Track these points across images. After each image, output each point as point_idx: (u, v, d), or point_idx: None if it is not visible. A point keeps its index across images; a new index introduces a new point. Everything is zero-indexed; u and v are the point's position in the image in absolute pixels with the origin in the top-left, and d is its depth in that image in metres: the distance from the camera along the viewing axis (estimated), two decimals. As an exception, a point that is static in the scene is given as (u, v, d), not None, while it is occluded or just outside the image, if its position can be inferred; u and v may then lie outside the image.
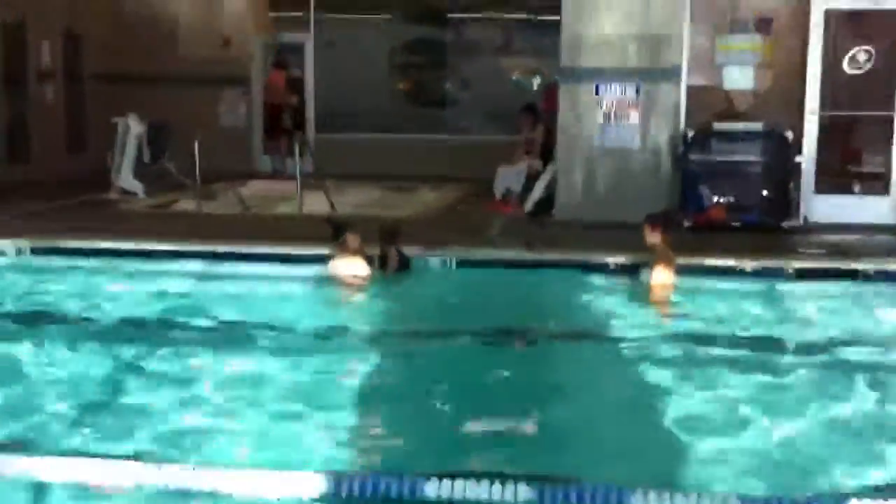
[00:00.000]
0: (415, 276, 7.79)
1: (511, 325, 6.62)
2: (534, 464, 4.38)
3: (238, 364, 5.82)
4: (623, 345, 6.31)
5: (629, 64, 9.89)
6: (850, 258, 7.99)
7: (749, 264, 7.75)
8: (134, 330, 6.47)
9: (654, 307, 7.26)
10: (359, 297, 7.52)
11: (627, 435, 4.87)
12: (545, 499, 3.63)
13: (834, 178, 10.14)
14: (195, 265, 8.05)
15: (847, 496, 3.86)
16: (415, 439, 4.72)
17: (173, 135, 11.81)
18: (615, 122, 9.95)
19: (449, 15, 15.28)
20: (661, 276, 7.24)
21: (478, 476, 3.75)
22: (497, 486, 3.64)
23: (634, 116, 9.92)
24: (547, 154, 10.95)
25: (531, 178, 10.91)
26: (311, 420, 4.87)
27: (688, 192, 9.65)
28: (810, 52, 9.80)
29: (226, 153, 13.31)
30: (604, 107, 9.96)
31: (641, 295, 7.36)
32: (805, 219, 9.73)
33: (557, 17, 10.26)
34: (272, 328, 6.52)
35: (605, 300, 7.35)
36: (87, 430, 4.71)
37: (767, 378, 5.57)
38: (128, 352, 5.95)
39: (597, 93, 9.95)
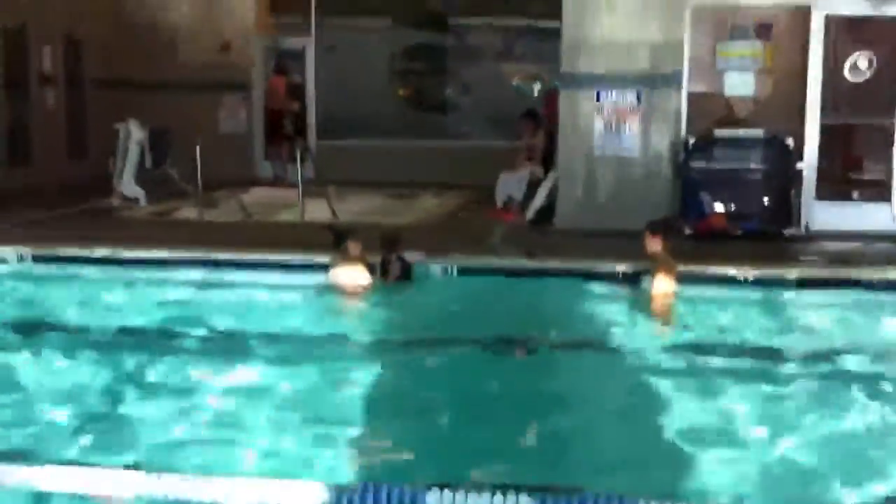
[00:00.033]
0: (416, 283, 7.78)
1: (512, 333, 6.61)
2: (535, 474, 4.38)
3: (238, 373, 5.81)
4: (624, 354, 6.30)
5: (630, 70, 9.89)
6: (851, 266, 7.98)
7: (750, 273, 7.74)
8: (135, 339, 6.47)
9: (655, 316, 7.25)
10: (360, 305, 7.51)
11: (628, 444, 4.87)
12: (547, 509, 3.62)
13: (835, 186, 10.14)
14: (197, 273, 8.04)
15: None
16: (415, 449, 4.71)
17: (174, 141, 11.81)
18: (616, 129, 9.94)
19: (450, 20, 15.30)
20: (662, 285, 7.23)
21: (479, 487, 3.75)
22: (498, 497, 3.64)
23: (635, 123, 9.92)
24: (548, 160, 10.95)
25: (533, 186, 10.91)
26: (312, 429, 4.86)
27: (688, 200, 9.65)
28: (811, 58, 9.80)
29: (227, 159, 13.32)
30: (604, 113, 9.96)
31: (642, 303, 7.36)
32: (806, 226, 9.73)
33: (558, 23, 10.27)
34: (273, 337, 6.52)
35: (607, 308, 7.34)
36: (87, 440, 4.71)
37: (769, 388, 5.57)
38: (128, 360, 5.95)
39: (597, 99, 9.96)
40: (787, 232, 9.52)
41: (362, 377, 5.78)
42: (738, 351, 6.27)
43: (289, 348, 6.32)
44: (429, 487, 3.70)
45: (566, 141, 10.10)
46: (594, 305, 7.42)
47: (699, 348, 6.28)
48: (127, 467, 4.18)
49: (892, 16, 9.71)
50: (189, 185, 11.19)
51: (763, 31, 10.10)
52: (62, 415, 5.01)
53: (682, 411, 5.19)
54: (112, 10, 14.61)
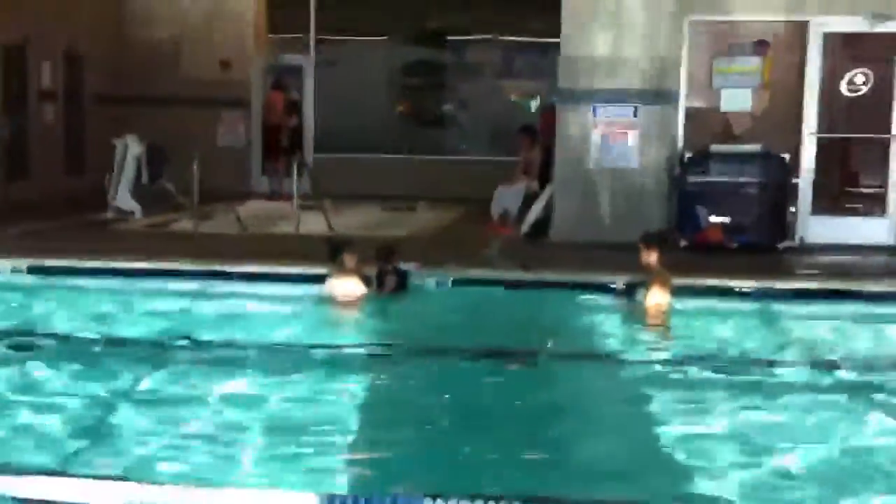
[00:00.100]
0: (411, 295, 7.78)
1: (506, 345, 6.60)
2: (528, 483, 4.36)
3: (232, 384, 5.79)
4: (618, 365, 6.29)
5: (627, 86, 9.93)
6: (846, 279, 7.99)
7: (745, 285, 7.74)
8: (129, 350, 6.45)
9: (649, 327, 7.24)
10: (355, 316, 7.50)
11: (621, 455, 4.84)
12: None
13: (831, 200, 10.17)
14: (192, 284, 8.04)
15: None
16: (408, 459, 4.69)
17: (171, 157, 11.84)
18: (612, 144, 9.97)
19: (447, 37, 15.38)
20: (656, 297, 7.23)
21: (472, 497, 3.73)
22: (492, 506, 3.62)
23: (632, 138, 9.95)
24: (545, 175, 10.98)
25: (529, 199, 10.94)
26: (305, 440, 4.83)
27: (684, 213, 9.66)
28: (808, 74, 9.85)
29: (224, 174, 13.36)
30: (601, 128, 9.98)
31: (637, 316, 7.35)
32: (802, 240, 9.74)
33: (556, 39, 10.32)
34: (268, 348, 6.50)
35: (601, 321, 7.33)
36: (78, 450, 4.68)
37: (763, 400, 5.54)
38: (122, 371, 5.93)
39: (594, 114, 9.99)
40: (783, 245, 9.53)
41: (356, 388, 5.76)
42: (732, 363, 6.25)
43: (283, 359, 6.30)
44: (422, 497, 3.68)
45: (563, 155, 10.13)
46: (589, 317, 7.41)
47: (693, 360, 6.26)
48: (116, 478, 4.15)
49: (888, 32, 9.75)
50: (185, 199, 11.20)
51: (760, 47, 10.15)
52: (55, 425, 4.98)
53: (676, 423, 5.17)
54: (112, 27, 14.70)
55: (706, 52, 10.16)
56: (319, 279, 7.73)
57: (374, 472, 4.56)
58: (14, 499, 3.85)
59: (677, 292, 7.30)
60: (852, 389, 5.77)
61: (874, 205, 10.06)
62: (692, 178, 9.64)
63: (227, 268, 8.24)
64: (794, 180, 9.73)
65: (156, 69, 14.41)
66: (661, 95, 9.91)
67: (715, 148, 9.82)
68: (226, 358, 6.29)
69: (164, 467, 4.45)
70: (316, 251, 8.06)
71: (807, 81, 9.86)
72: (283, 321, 7.28)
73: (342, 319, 7.50)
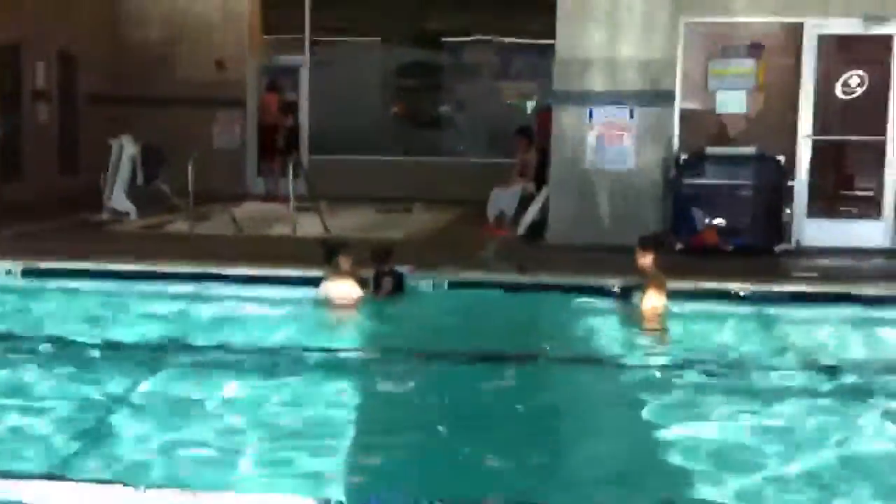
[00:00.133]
0: (407, 298, 7.77)
1: (502, 347, 6.60)
2: (523, 487, 4.36)
3: (227, 387, 5.78)
4: (614, 368, 6.29)
5: (622, 88, 9.93)
6: (842, 282, 8.00)
7: (741, 288, 7.75)
8: (124, 353, 6.43)
9: (645, 330, 7.24)
10: (351, 320, 7.49)
11: (616, 458, 4.84)
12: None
13: (826, 202, 10.18)
14: (187, 286, 8.02)
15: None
16: (404, 463, 4.68)
17: (166, 157, 11.82)
18: (608, 146, 9.97)
19: (443, 38, 15.37)
20: (652, 300, 7.23)
21: (467, 501, 3.72)
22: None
23: (627, 140, 9.95)
24: (540, 176, 10.98)
25: (525, 201, 10.94)
26: (300, 444, 4.82)
27: (680, 216, 9.67)
28: (803, 76, 9.86)
29: (219, 175, 13.34)
30: (597, 130, 9.98)
31: (633, 318, 7.35)
32: (797, 242, 9.76)
33: (551, 41, 10.32)
34: (263, 350, 6.49)
35: (597, 323, 7.33)
36: (74, 455, 4.67)
37: (758, 403, 5.55)
38: (117, 375, 5.91)
39: (590, 116, 9.99)
40: (778, 248, 9.54)
41: (353, 391, 5.76)
42: (729, 366, 6.26)
43: (279, 363, 6.29)
44: (415, 501, 3.68)
45: (559, 157, 10.13)
46: (585, 320, 7.41)
47: (690, 363, 6.27)
48: (112, 482, 4.14)
49: (883, 34, 9.77)
50: (181, 200, 11.18)
51: (755, 50, 10.16)
52: (50, 429, 4.97)
53: (674, 427, 5.16)
54: (107, 27, 14.67)
55: (701, 53, 10.16)
56: (315, 281, 7.72)
57: (370, 476, 4.56)
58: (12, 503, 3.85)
59: (675, 295, 7.30)
60: (849, 393, 5.78)
61: (870, 207, 10.08)
62: (688, 181, 9.64)
63: (223, 270, 8.22)
64: (789, 183, 9.74)
65: (151, 69, 14.38)
66: (656, 97, 9.91)
67: (710, 150, 9.83)
68: (221, 361, 6.28)
69: (159, 471, 4.44)
70: (312, 253, 8.04)
71: (802, 84, 9.87)
72: (279, 324, 7.27)
73: (338, 322, 7.49)
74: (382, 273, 7.73)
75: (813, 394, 5.76)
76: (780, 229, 9.65)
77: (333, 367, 6.28)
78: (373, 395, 5.77)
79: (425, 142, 15.22)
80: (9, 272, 8.27)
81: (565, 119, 10.08)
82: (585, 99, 9.99)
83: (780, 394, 5.75)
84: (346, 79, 15.17)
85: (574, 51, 9.99)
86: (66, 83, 13.95)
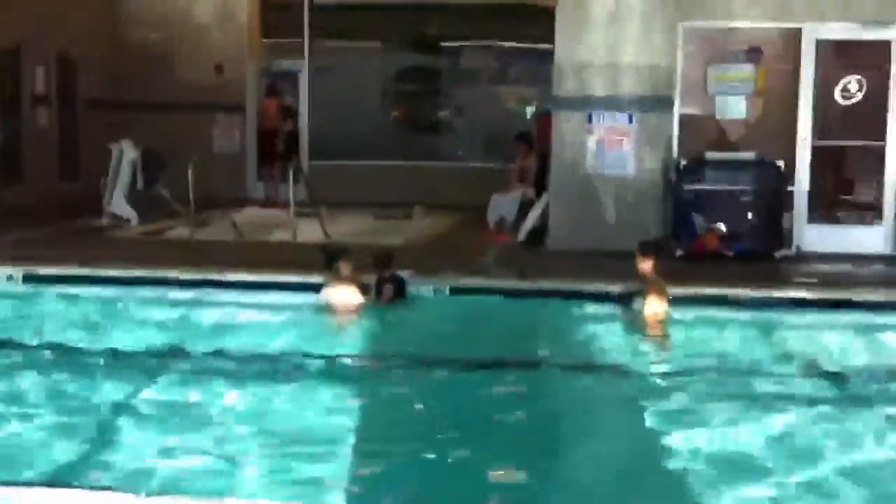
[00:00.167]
0: (408, 304, 7.77)
1: (504, 354, 6.60)
2: (524, 496, 4.36)
3: (228, 394, 5.78)
4: (616, 375, 6.29)
5: (622, 93, 9.94)
6: (843, 288, 8.00)
7: (742, 294, 7.75)
8: (124, 360, 6.43)
9: (647, 336, 7.23)
10: (351, 325, 7.49)
11: (618, 466, 4.84)
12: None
13: (826, 208, 10.18)
14: (187, 293, 8.02)
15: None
16: (405, 470, 4.67)
17: (166, 162, 11.81)
18: (608, 151, 9.97)
19: (443, 43, 15.37)
20: (653, 306, 7.23)
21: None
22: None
23: (627, 145, 9.95)
24: (540, 182, 10.98)
25: (525, 207, 10.93)
26: (300, 451, 4.82)
27: (680, 221, 9.67)
28: (802, 81, 9.86)
29: (219, 179, 13.33)
30: (596, 135, 9.99)
31: (634, 324, 7.35)
32: (797, 248, 9.76)
33: (550, 46, 10.32)
34: (263, 357, 6.49)
35: (598, 329, 7.33)
36: (74, 462, 4.67)
37: (761, 410, 5.54)
38: (117, 381, 5.91)
39: (589, 121, 9.99)
40: (779, 253, 9.55)
41: (352, 397, 5.77)
42: (730, 372, 6.26)
43: (279, 369, 6.28)
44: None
45: (558, 162, 10.13)
46: (586, 326, 7.41)
47: (691, 369, 6.27)
48: (110, 489, 4.13)
49: (881, 39, 9.78)
50: (181, 205, 11.17)
51: (754, 55, 10.17)
52: (49, 436, 4.96)
53: (674, 433, 5.16)
54: (107, 31, 14.65)
55: (701, 58, 10.17)
56: (316, 287, 7.72)
57: (370, 483, 4.55)
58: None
59: (675, 301, 7.31)
60: (850, 399, 5.78)
61: (870, 213, 10.07)
62: (688, 186, 9.65)
63: (224, 276, 8.22)
64: (789, 188, 9.74)
65: (150, 74, 14.37)
66: (656, 102, 9.92)
67: (710, 155, 9.83)
68: (222, 368, 6.27)
69: (159, 478, 4.44)
70: (312, 259, 8.04)
71: (801, 88, 9.87)
72: (280, 330, 7.26)
73: (339, 328, 7.49)
74: (384, 279, 7.72)
75: (814, 400, 5.75)
76: (781, 235, 9.65)
77: (334, 373, 6.27)
78: (374, 401, 5.77)
79: (425, 147, 15.21)
80: (10, 278, 8.27)
81: (565, 124, 10.08)
82: (585, 104, 10.00)
83: (782, 400, 5.74)
84: (345, 83, 15.16)
85: (573, 56, 9.99)
86: (66, 87, 13.94)
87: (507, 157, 12.59)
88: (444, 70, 15.51)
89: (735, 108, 10.09)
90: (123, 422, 5.24)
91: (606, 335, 7.20)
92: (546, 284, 8.06)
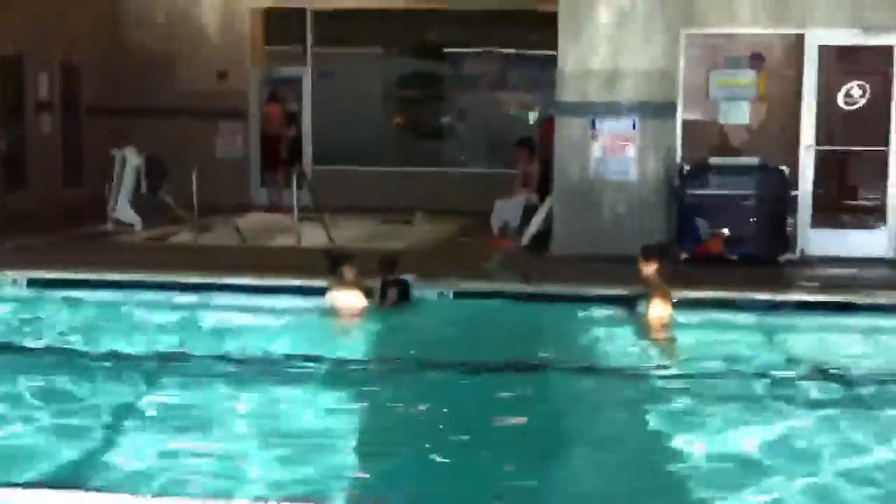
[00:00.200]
0: (411, 308, 7.78)
1: (508, 357, 6.59)
2: (529, 499, 4.35)
3: (232, 397, 5.78)
4: (620, 378, 6.29)
5: (625, 98, 9.96)
6: (847, 292, 8.00)
7: (746, 297, 7.75)
8: (128, 363, 6.43)
9: (651, 340, 7.23)
10: (355, 329, 7.49)
11: (622, 470, 4.83)
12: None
13: (830, 212, 10.19)
14: (191, 297, 8.02)
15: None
16: (408, 474, 4.67)
17: (170, 168, 11.85)
18: (611, 156, 9.99)
19: (445, 49, 15.41)
20: (657, 310, 7.23)
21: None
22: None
23: (630, 150, 9.97)
24: (544, 187, 10.99)
25: (528, 212, 10.94)
26: (306, 454, 4.82)
27: (684, 226, 9.68)
28: (804, 87, 9.88)
29: (223, 185, 13.35)
30: (600, 140, 10.00)
31: (638, 328, 7.35)
32: (802, 252, 9.77)
33: (553, 52, 10.35)
34: (268, 361, 6.49)
35: (602, 333, 7.33)
36: (80, 464, 4.67)
37: (766, 413, 5.54)
38: (121, 384, 5.92)
39: (592, 127, 10.01)
40: (783, 258, 9.56)
41: (356, 400, 5.76)
42: (734, 376, 6.25)
43: (283, 372, 6.29)
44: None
45: (561, 167, 10.14)
46: (589, 330, 7.41)
47: (695, 373, 6.27)
48: (117, 491, 4.14)
49: (884, 45, 9.80)
50: (185, 211, 11.20)
51: (757, 60, 10.20)
52: (53, 438, 4.97)
53: (679, 436, 5.16)
54: (110, 38, 14.69)
55: (703, 64, 10.19)
56: (320, 292, 7.72)
57: (373, 486, 4.55)
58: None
59: (679, 305, 7.31)
60: (855, 402, 5.78)
61: (873, 217, 10.09)
62: (691, 191, 9.66)
63: (227, 281, 8.23)
64: (793, 193, 9.75)
65: (153, 80, 14.41)
66: (658, 108, 9.94)
67: (714, 160, 9.85)
68: (225, 372, 6.27)
69: (163, 480, 4.44)
70: (316, 264, 8.05)
71: (803, 94, 9.89)
72: (284, 334, 7.27)
73: (343, 332, 7.49)
74: (388, 282, 7.73)
75: (818, 403, 5.75)
76: (785, 239, 9.66)
77: (338, 376, 6.28)
78: (377, 404, 5.77)
79: (427, 152, 15.24)
80: (14, 282, 8.28)
81: (568, 130, 10.10)
82: (588, 110, 10.01)
83: (786, 403, 5.74)
84: (348, 89, 15.19)
85: (576, 62, 10.01)
86: (69, 94, 13.98)
87: (509, 162, 12.61)
88: (446, 76, 15.54)
89: (738, 113, 10.11)
90: (125, 425, 5.24)
91: (610, 339, 7.20)
92: (550, 288, 8.06)
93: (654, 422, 5.43)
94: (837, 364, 6.56)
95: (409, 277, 7.92)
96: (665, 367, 6.55)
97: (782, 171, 9.68)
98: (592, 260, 9.22)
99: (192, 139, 13.94)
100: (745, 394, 5.93)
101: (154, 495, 4.01)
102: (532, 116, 14.89)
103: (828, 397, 5.88)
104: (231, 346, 6.80)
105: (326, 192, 12.24)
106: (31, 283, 8.30)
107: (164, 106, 14.27)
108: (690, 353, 6.84)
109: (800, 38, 9.90)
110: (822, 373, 6.32)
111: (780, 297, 7.83)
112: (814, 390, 5.99)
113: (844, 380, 6.14)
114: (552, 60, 10.45)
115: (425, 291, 7.94)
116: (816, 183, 9.93)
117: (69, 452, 4.78)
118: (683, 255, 9.49)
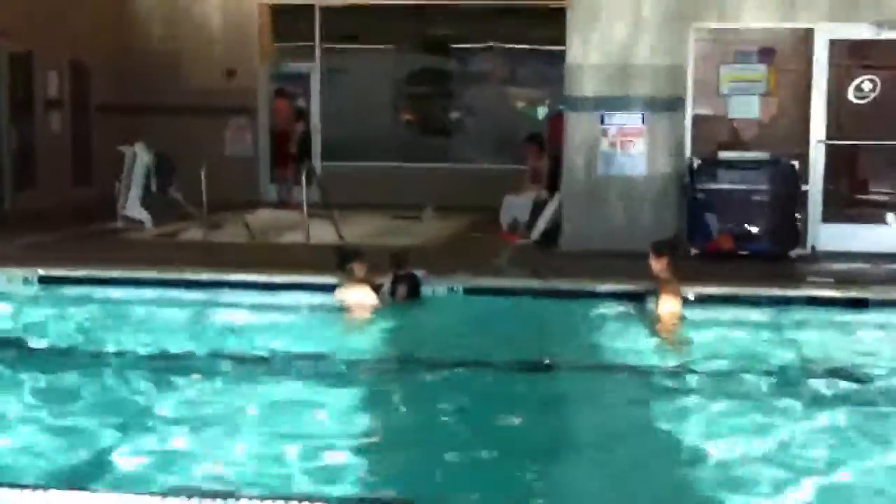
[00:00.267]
0: (421, 304, 7.78)
1: (517, 354, 6.59)
2: (539, 498, 4.35)
3: (241, 394, 5.80)
4: (631, 374, 6.27)
5: (634, 93, 9.93)
6: (858, 287, 7.97)
7: (757, 293, 7.73)
8: (139, 360, 6.45)
9: (661, 336, 7.22)
10: (365, 326, 7.50)
11: (633, 467, 4.82)
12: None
13: (841, 207, 10.15)
14: (202, 294, 8.04)
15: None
16: (417, 470, 4.67)
17: (179, 165, 11.87)
18: (621, 151, 9.97)
19: (453, 45, 15.40)
20: (668, 306, 7.21)
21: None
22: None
23: (640, 145, 9.95)
24: (553, 183, 10.98)
25: (538, 208, 10.93)
26: (315, 450, 4.82)
27: (694, 221, 9.65)
28: (815, 81, 9.84)
29: (232, 182, 13.38)
30: (609, 136, 9.98)
31: (649, 324, 7.34)
32: (812, 247, 9.73)
33: (562, 47, 10.33)
34: (277, 358, 6.50)
35: (612, 329, 7.32)
36: (90, 463, 4.68)
37: (774, 409, 5.52)
38: (131, 382, 5.94)
39: (602, 122, 9.99)
40: (794, 253, 9.52)
41: (366, 397, 5.77)
42: (744, 371, 6.23)
43: (292, 368, 6.30)
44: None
45: (571, 163, 10.13)
46: (599, 326, 7.40)
47: (704, 369, 6.25)
48: (123, 490, 4.14)
49: (894, 39, 9.74)
50: (194, 208, 11.22)
51: (767, 55, 10.16)
52: (63, 437, 4.98)
53: (690, 433, 5.16)
54: (118, 36, 14.72)
55: (712, 59, 10.15)
56: (330, 288, 7.73)
57: (382, 483, 4.55)
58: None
59: (690, 300, 7.29)
60: (868, 398, 5.75)
61: (885, 212, 10.04)
62: (701, 186, 9.63)
63: (237, 277, 8.24)
64: (803, 188, 9.72)
65: (162, 78, 14.43)
66: (668, 103, 9.91)
67: (723, 155, 9.82)
68: (235, 369, 6.28)
69: (173, 477, 4.45)
70: (326, 260, 8.05)
71: (814, 88, 9.85)
72: (294, 331, 7.28)
73: (353, 329, 7.50)
74: (398, 278, 7.74)
75: (830, 400, 5.73)
76: (796, 234, 9.63)
77: (347, 372, 6.28)
78: (387, 401, 5.78)
79: (436, 148, 15.23)
80: (26, 280, 8.31)
81: (577, 125, 10.08)
82: (597, 105, 9.99)
83: (796, 398, 5.72)
84: (356, 86, 15.20)
85: (585, 57, 9.99)
86: (79, 92, 14.01)
87: (518, 158, 12.59)
88: (455, 72, 15.53)
89: (748, 108, 10.07)
90: (138, 423, 5.25)
91: (620, 335, 7.18)
92: (560, 284, 8.05)
93: (662, 417, 5.42)
94: (850, 360, 6.53)
95: (419, 273, 7.93)
96: (674, 363, 6.54)
97: (793, 165, 9.65)
98: (602, 256, 9.21)
99: (201, 137, 13.96)
100: (756, 390, 5.91)
101: (162, 492, 4.00)
102: (541, 112, 14.87)
103: (839, 394, 5.85)
104: (240, 343, 6.81)
105: (336, 188, 12.25)
106: (44, 280, 8.32)
107: (174, 104, 14.29)
108: (701, 349, 6.81)
109: (810, 33, 9.86)
110: (833, 369, 6.29)
111: (791, 293, 7.80)
112: (825, 387, 5.96)
113: (856, 377, 6.12)
114: (561, 56, 10.44)
115: (436, 287, 7.94)
116: (827, 177, 9.89)
117: (73, 452, 4.79)
118: (693, 251, 9.47)
